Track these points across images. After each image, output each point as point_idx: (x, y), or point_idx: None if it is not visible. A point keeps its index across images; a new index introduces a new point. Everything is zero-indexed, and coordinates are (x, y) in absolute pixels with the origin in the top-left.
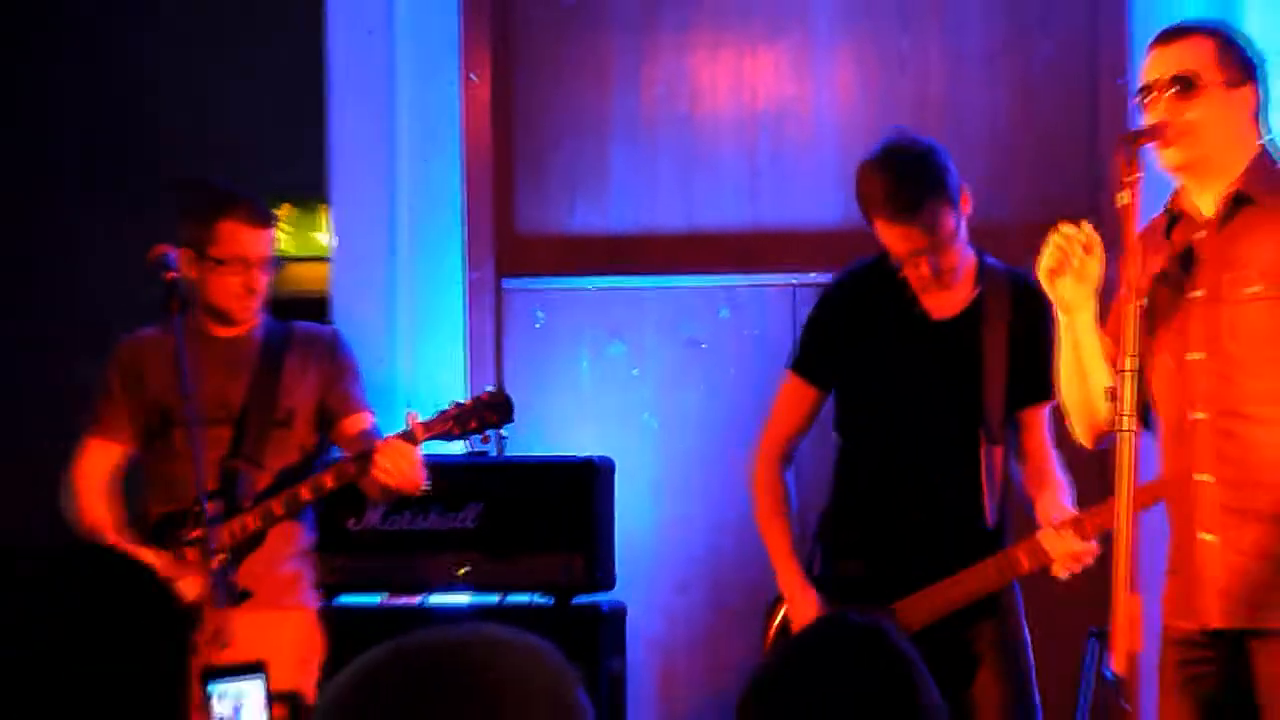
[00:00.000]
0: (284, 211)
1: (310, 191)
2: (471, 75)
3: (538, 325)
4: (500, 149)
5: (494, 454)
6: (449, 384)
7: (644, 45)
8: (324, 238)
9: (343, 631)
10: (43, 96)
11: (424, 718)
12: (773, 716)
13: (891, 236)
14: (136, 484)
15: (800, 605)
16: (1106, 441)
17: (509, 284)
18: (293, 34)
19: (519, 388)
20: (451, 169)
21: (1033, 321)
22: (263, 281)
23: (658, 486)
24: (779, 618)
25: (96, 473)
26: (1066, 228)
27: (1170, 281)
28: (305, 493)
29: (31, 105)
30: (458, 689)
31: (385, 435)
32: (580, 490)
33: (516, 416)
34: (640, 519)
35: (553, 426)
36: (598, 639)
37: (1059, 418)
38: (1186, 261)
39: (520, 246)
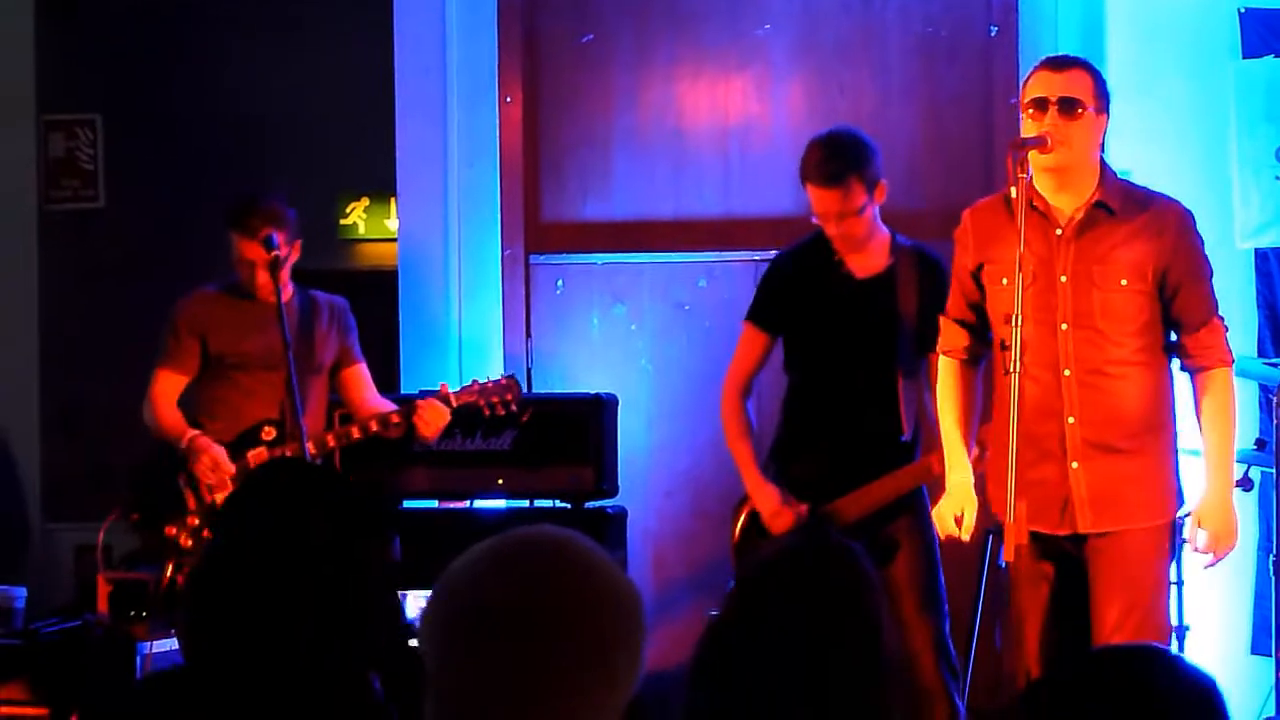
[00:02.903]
0: (362, 203)
1: (383, 188)
2: (507, 99)
3: (558, 292)
4: (528, 155)
5: (525, 392)
6: (489, 339)
7: (640, 75)
8: (393, 224)
9: (409, 528)
10: (200, 124)
11: (542, 580)
12: (747, 621)
13: (814, 197)
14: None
15: (764, 500)
16: None
17: (535, 260)
18: (371, 71)
19: (543, 340)
20: (491, 171)
21: (934, 284)
22: (267, 276)
23: (651, 416)
24: (746, 511)
25: (167, 394)
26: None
27: (1037, 265)
28: (355, 432)
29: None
30: (558, 560)
31: (426, 397)
32: (591, 419)
33: (542, 365)
34: (637, 441)
35: (570, 370)
36: (604, 535)
37: None
38: (1048, 250)
39: (544, 231)
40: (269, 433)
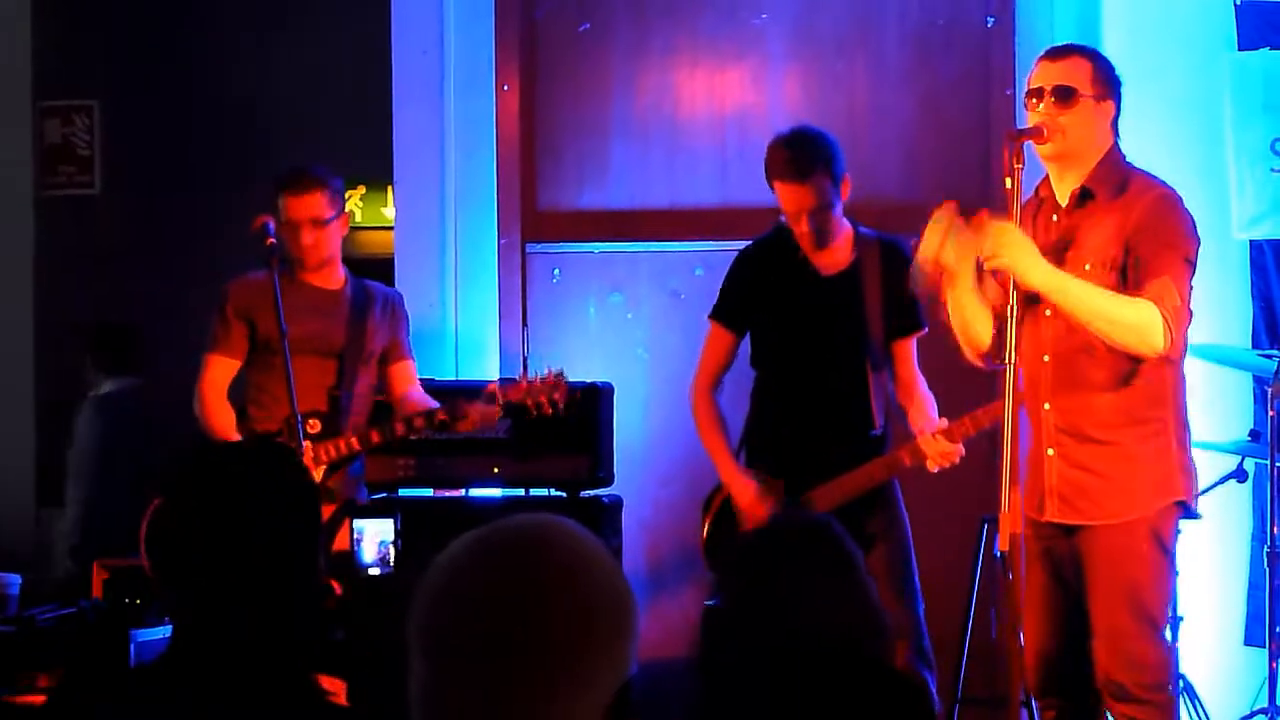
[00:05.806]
0: (358, 191)
1: (379, 176)
2: (504, 87)
3: (555, 280)
4: (525, 144)
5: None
6: (485, 327)
7: (638, 63)
8: (389, 212)
9: (404, 515)
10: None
11: (521, 574)
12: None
13: (785, 195)
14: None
15: (740, 489)
16: (988, 362)
17: (532, 248)
18: (366, 58)
19: (540, 329)
20: (487, 159)
21: (898, 273)
22: (313, 236)
23: (647, 405)
24: (717, 504)
25: (218, 384)
26: (935, 221)
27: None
28: (400, 428)
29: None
30: (539, 554)
31: (473, 400)
32: (587, 408)
33: (538, 353)
34: (633, 430)
35: (566, 359)
36: (600, 524)
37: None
38: (1046, 235)
39: (541, 219)
40: (314, 425)
